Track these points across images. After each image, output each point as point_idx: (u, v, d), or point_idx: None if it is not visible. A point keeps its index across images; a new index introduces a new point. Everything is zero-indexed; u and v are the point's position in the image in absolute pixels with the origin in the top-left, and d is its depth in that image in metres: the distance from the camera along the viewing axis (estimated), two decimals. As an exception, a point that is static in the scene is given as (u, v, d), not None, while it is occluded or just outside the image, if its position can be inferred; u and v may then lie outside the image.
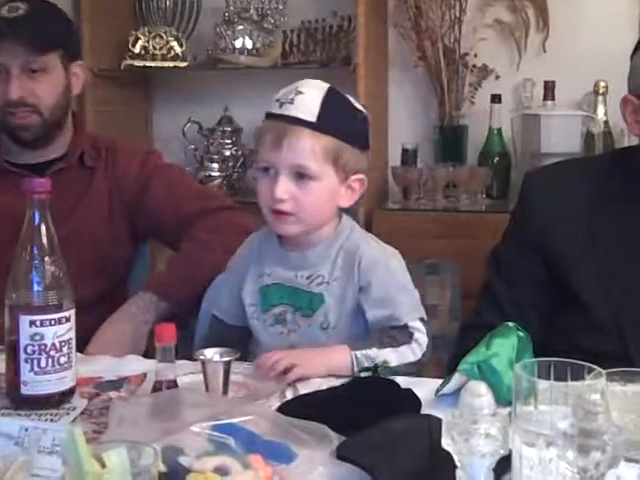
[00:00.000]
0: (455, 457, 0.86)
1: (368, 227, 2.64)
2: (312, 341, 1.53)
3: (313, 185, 1.48)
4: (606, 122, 2.78)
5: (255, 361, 1.46)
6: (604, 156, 1.92)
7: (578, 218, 1.61)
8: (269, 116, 1.51)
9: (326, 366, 1.43)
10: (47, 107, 1.91)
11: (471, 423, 0.84)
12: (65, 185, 1.90)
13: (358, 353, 1.45)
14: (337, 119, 1.49)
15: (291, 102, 1.47)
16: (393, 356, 1.47)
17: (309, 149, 1.46)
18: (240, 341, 1.61)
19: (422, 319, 1.53)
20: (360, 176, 1.54)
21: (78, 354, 1.62)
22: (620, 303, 1.54)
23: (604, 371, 0.95)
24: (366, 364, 1.44)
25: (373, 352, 1.46)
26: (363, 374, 1.42)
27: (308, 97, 1.48)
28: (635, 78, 1.57)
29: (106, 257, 1.98)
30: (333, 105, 1.49)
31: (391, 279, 1.53)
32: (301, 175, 1.48)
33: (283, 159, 1.47)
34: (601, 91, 2.78)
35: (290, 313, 1.56)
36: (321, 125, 1.47)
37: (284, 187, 1.47)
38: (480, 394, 0.85)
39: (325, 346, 1.50)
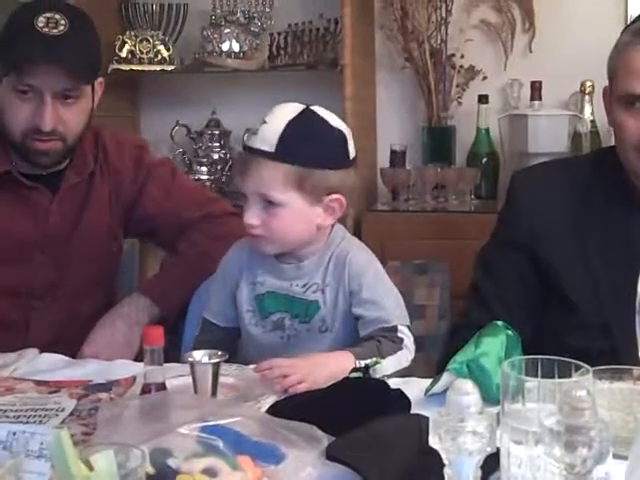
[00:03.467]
0: (443, 455, 0.86)
1: (358, 228, 2.64)
2: (312, 343, 1.57)
3: (280, 211, 1.52)
4: (593, 121, 2.79)
5: (257, 366, 1.44)
6: (590, 155, 1.93)
7: (565, 219, 1.62)
8: (242, 145, 1.58)
9: (333, 376, 1.40)
10: (73, 135, 1.78)
11: (458, 421, 0.84)
12: (71, 197, 1.86)
13: (363, 362, 1.45)
14: (298, 146, 1.50)
15: (255, 133, 1.52)
16: (393, 364, 1.48)
17: (269, 178, 1.50)
18: (232, 342, 1.64)
19: (408, 326, 1.56)
20: (336, 196, 1.54)
21: (67, 358, 1.62)
22: (608, 302, 1.54)
23: (591, 368, 0.95)
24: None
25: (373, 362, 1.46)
26: (353, 375, 1.42)
27: (270, 127, 1.50)
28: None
29: (107, 267, 1.94)
30: (296, 132, 1.49)
31: (380, 283, 1.58)
32: (268, 202, 1.52)
33: (248, 187, 1.53)
34: (587, 91, 2.79)
35: (288, 319, 1.59)
36: (280, 154, 1.49)
37: (253, 213, 1.53)
38: (467, 392, 0.86)
39: (328, 352, 1.50)
